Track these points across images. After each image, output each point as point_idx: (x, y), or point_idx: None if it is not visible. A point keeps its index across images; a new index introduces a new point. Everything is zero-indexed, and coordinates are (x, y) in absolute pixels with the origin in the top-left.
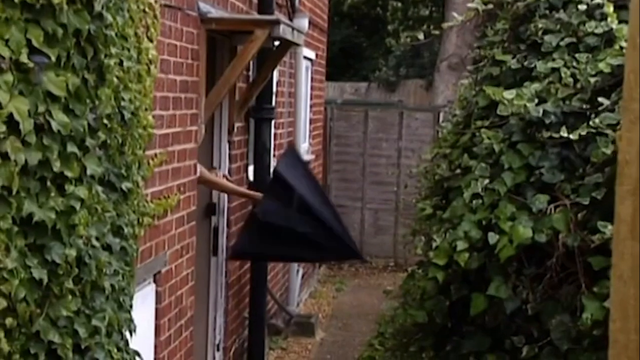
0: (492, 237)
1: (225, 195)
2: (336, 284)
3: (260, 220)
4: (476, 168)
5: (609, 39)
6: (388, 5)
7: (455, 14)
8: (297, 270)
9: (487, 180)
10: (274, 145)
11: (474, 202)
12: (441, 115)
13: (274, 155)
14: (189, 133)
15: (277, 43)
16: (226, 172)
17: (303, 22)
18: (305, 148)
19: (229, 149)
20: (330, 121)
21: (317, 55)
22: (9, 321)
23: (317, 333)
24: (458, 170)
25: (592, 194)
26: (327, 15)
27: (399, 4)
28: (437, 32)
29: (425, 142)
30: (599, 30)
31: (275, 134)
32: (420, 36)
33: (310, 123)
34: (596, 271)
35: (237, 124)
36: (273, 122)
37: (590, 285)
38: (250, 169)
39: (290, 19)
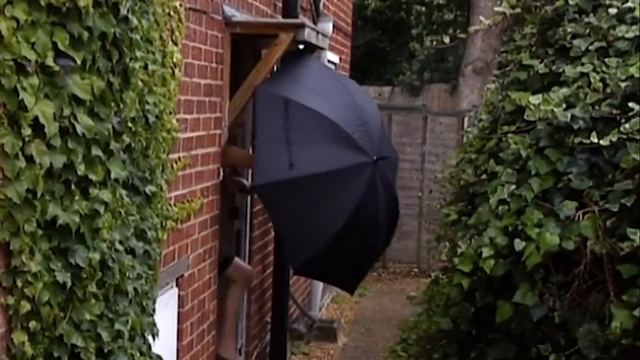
0: (519, 244)
1: (249, 200)
2: (359, 288)
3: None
4: (502, 174)
5: (639, 43)
6: (412, 10)
7: (482, 18)
8: None
9: (513, 186)
10: None
11: (500, 208)
12: (465, 119)
13: None
14: (212, 137)
15: (301, 47)
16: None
17: (327, 26)
18: None
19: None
20: None
21: (341, 59)
22: (32, 324)
23: (340, 338)
24: (484, 176)
25: (622, 201)
26: (351, 19)
27: (423, 8)
28: (463, 36)
29: (450, 147)
30: (630, 35)
31: None
32: (446, 40)
33: None
34: (625, 279)
35: None
36: None
37: (619, 293)
38: None
39: (315, 23)
